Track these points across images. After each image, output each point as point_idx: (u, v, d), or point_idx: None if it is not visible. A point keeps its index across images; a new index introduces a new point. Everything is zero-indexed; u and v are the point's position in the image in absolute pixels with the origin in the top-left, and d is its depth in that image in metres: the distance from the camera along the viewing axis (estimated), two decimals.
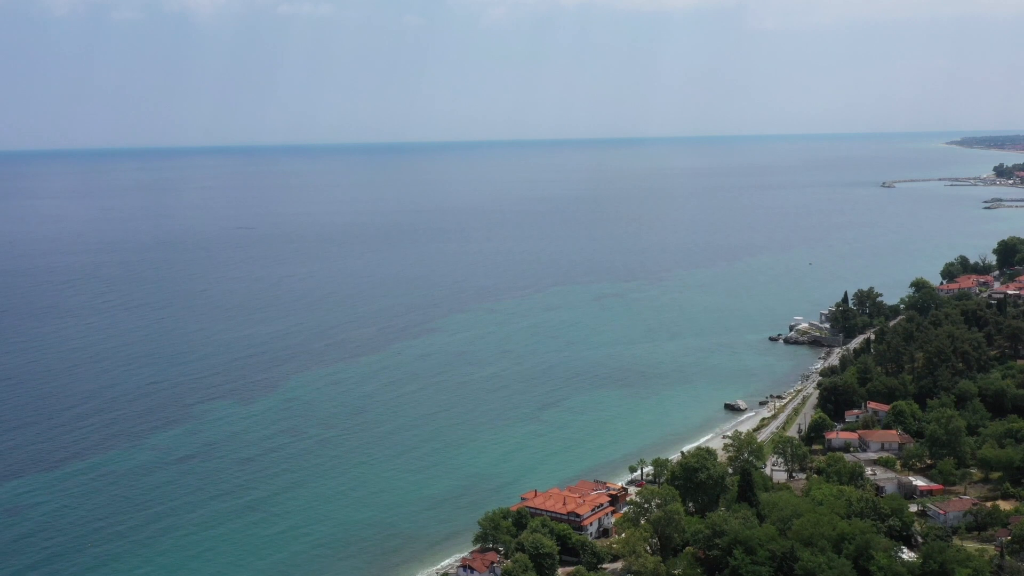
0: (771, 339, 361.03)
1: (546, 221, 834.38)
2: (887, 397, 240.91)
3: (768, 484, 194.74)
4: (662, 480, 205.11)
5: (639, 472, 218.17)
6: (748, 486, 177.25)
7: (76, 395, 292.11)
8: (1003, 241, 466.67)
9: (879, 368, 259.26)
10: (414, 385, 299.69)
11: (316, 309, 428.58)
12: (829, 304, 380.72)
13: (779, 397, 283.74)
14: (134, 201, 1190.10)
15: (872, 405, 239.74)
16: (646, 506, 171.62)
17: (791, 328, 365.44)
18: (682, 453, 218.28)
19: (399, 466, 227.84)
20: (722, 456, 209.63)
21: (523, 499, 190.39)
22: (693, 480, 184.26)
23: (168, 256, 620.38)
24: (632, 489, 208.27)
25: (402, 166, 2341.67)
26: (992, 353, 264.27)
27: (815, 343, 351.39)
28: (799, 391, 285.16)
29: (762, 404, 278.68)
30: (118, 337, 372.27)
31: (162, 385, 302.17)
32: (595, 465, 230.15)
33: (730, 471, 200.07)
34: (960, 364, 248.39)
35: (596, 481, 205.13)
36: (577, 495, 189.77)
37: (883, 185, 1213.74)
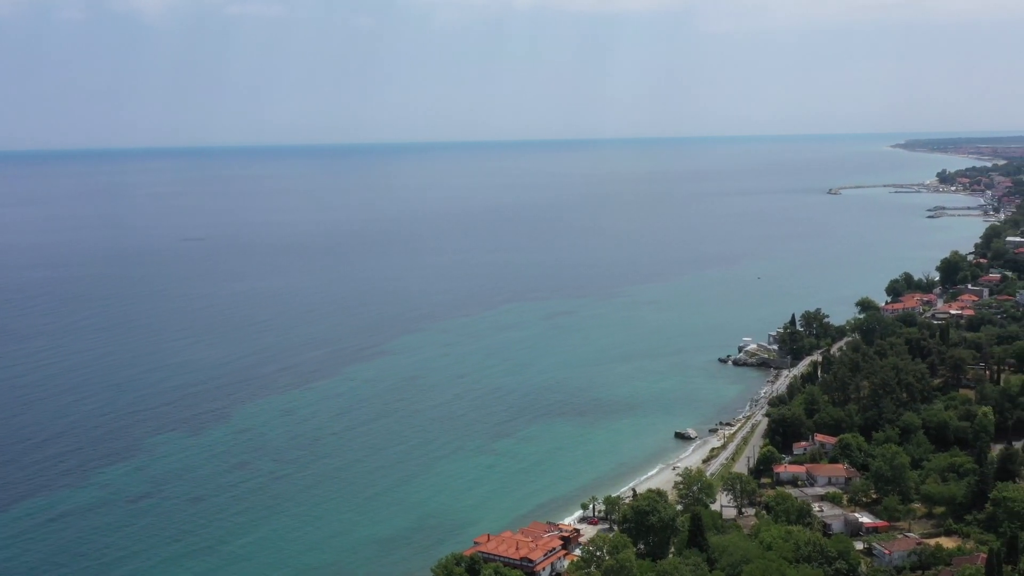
0: (720, 360, 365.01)
1: (498, 231, 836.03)
2: (834, 429, 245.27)
3: (718, 522, 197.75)
4: (613, 517, 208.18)
5: (591, 509, 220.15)
6: (698, 530, 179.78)
7: (22, 428, 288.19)
8: (946, 259, 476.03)
9: (826, 398, 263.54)
10: (366, 414, 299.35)
11: (268, 329, 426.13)
12: (777, 322, 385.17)
13: (728, 424, 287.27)
14: (81, 209, 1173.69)
15: (819, 437, 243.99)
16: (598, 554, 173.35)
17: (740, 349, 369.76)
18: (633, 491, 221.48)
19: (352, 505, 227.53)
20: (673, 494, 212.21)
21: (476, 543, 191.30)
22: (644, 523, 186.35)
23: (117, 271, 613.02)
24: (584, 527, 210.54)
25: (355, 170, 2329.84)
26: (935, 383, 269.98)
27: (763, 365, 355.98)
28: (748, 418, 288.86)
29: (712, 432, 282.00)
30: (66, 363, 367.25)
31: (111, 416, 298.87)
32: (547, 500, 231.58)
33: (680, 508, 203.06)
34: (904, 395, 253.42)
35: (548, 523, 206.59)
36: (530, 539, 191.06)
37: (829, 192, 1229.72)
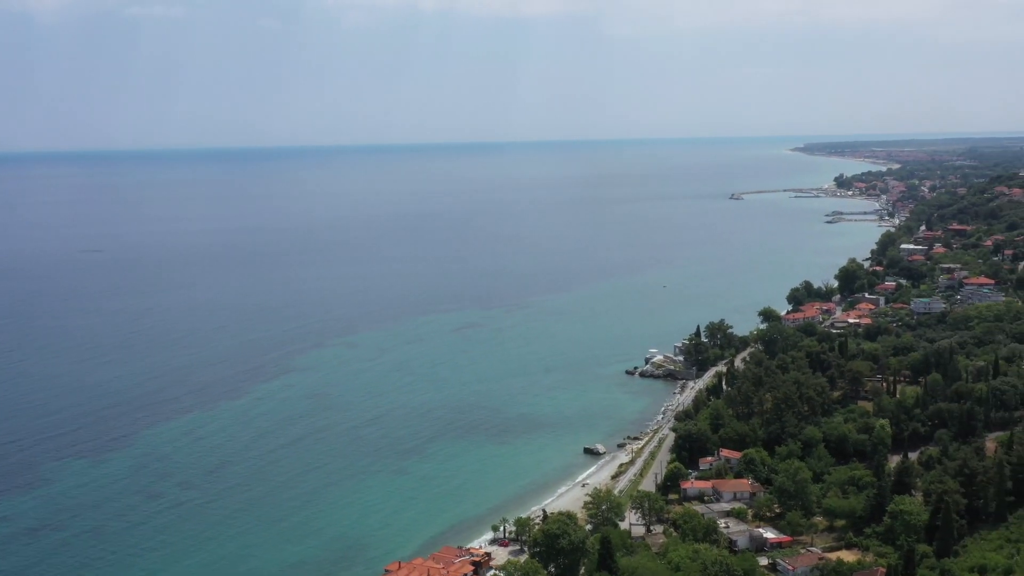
0: (627, 372, 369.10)
1: (405, 239, 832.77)
2: (738, 444, 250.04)
3: (627, 541, 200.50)
4: (524, 539, 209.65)
5: (502, 530, 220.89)
6: (608, 552, 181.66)
7: None
8: (844, 267, 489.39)
9: (730, 412, 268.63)
10: (272, 436, 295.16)
11: (171, 347, 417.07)
12: (683, 332, 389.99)
13: (637, 438, 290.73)
14: None
15: (724, 453, 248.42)
16: None
17: (647, 361, 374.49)
18: (544, 512, 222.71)
19: (260, 534, 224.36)
20: (582, 514, 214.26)
21: (387, 571, 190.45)
22: (554, 547, 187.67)
23: (10, 286, 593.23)
24: (495, 550, 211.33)
25: (261, 175, 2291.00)
26: (835, 395, 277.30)
27: (670, 376, 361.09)
28: (656, 431, 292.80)
29: (620, 447, 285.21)
30: None
31: (8, 444, 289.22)
32: (458, 522, 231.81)
33: (590, 528, 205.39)
34: (806, 409, 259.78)
35: (459, 547, 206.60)
36: (441, 565, 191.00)
37: (732, 197, 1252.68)
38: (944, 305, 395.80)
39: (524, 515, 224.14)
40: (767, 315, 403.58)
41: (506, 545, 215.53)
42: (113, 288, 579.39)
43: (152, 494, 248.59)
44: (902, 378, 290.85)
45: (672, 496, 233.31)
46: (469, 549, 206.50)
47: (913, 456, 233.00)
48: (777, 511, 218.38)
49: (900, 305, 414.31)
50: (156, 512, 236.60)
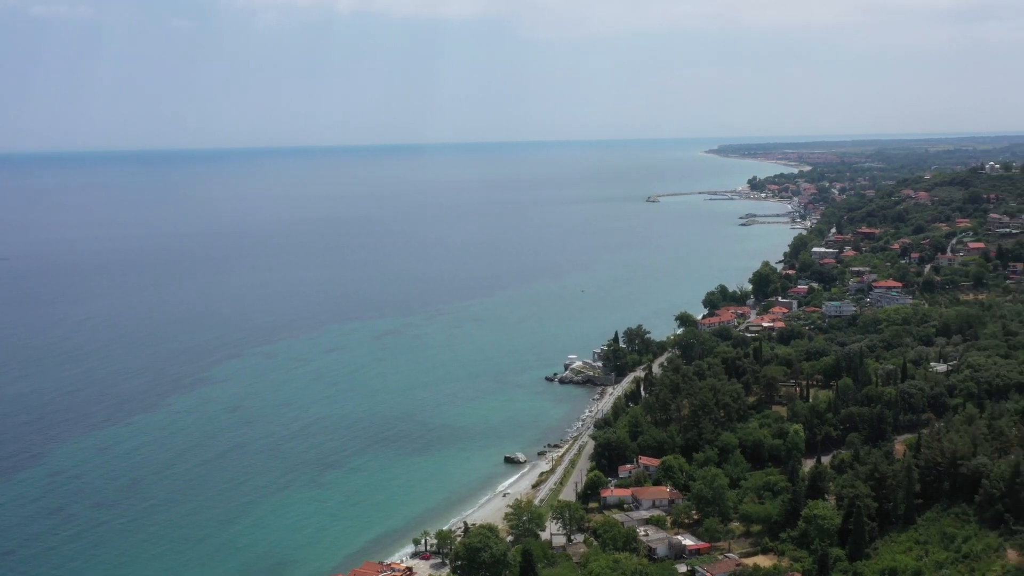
0: (547, 379, 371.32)
1: (324, 245, 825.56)
2: (657, 451, 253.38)
3: (547, 552, 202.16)
4: (446, 551, 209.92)
5: (423, 543, 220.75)
6: (529, 565, 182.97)
7: None
8: (757, 271, 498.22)
9: (649, 419, 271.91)
10: (189, 450, 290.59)
11: (80, 359, 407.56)
12: (602, 337, 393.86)
13: (557, 446, 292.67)
14: None
15: (643, 460, 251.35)
16: None
17: (566, 367, 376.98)
18: (465, 524, 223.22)
19: (175, 552, 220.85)
20: (504, 525, 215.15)
21: None
22: (476, 560, 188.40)
23: None
24: (417, 563, 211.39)
25: (173, 179, 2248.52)
26: (751, 400, 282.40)
27: (589, 382, 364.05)
28: (575, 439, 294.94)
29: (540, 455, 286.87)
30: None
31: None
32: (379, 536, 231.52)
33: (511, 540, 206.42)
34: (722, 415, 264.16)
35: (380, 563, 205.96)
36: None
37: (648, 200, 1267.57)
38: (854, 308, 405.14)
39: (446, 527, 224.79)
40: (684, 320, 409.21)
41: (428, 559, 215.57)
42: (22, 298, 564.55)
43: (66, 516, 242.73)
44: (815, 382, 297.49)
45: (592, 504, 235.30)
46: (390, 564, 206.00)
47: (826, 460, 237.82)
48: (695, 518, 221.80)
49: (812, 308, 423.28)
50: (71, 535, 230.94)
